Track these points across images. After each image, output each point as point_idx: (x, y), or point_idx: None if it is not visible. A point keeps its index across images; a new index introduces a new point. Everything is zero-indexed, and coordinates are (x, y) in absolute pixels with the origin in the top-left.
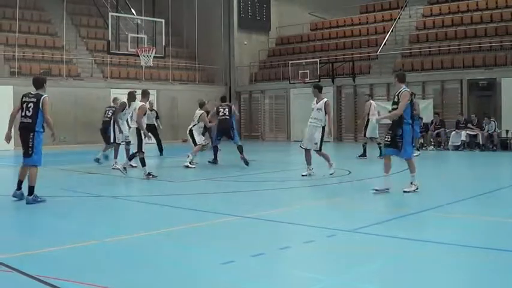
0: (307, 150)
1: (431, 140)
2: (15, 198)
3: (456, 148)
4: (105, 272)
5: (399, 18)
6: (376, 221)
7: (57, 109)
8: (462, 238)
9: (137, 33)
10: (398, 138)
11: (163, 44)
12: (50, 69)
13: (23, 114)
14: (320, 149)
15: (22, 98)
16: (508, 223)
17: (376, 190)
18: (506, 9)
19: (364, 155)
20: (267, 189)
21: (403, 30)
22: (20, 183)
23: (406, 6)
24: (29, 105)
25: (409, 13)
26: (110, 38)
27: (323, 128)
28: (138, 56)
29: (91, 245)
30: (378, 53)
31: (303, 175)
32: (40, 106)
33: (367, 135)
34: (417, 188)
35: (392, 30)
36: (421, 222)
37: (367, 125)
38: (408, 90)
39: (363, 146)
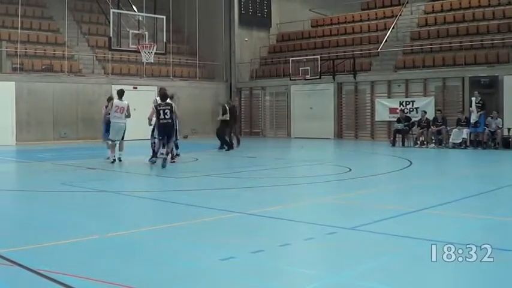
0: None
1: (432, 137)
2: None
3: (458, 146)
4: (105, 267)
5: (400, 15)
6: (376, 219)
7: (58, 105)
8: (461, 237)
9: (138, 30)
10: None
11: (164, 40)
12: (52, 66)
13: None
14: None
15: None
16: (507, 222)
17: None
18: (508, 6)
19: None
20: (267, 186)
21: (404, 27)
22: None
23: (407, 2)
24: None
25: (411, 10)
26: (111, 35)
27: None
28: (139, 52)
29: (92, 239)
30: (379, 50)
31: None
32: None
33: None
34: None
35: (393, 27)
36: (421, 220)
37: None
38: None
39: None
